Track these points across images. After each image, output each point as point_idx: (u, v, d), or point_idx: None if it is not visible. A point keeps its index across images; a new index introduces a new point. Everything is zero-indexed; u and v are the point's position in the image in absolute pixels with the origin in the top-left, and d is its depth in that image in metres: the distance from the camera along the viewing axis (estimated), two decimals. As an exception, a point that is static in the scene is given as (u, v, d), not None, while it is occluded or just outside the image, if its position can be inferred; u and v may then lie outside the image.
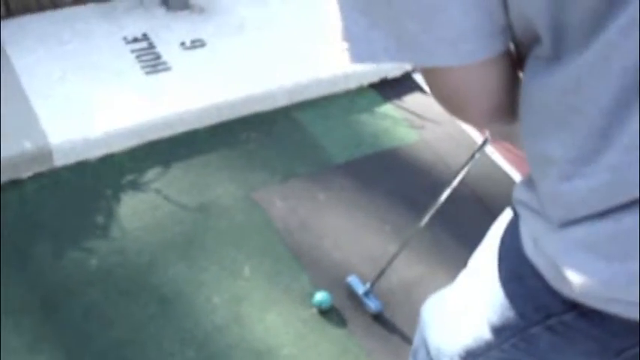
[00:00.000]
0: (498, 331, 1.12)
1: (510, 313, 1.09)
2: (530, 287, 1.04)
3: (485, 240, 1.22)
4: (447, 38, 0.85)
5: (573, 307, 0.99)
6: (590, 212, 0.87)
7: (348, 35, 0.90)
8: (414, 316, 2.42)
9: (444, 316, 1.34)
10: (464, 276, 1.30)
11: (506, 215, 1.16)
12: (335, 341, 2.36)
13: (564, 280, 0.94)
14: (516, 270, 1.06)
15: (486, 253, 1.17)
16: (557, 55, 0.82)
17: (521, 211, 1.03)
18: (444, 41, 0.85)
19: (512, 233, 1.09)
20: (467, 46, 0.85)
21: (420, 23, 0.84)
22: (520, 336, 1.10)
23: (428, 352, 1.43)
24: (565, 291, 0.97)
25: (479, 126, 1.29)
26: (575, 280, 0.92)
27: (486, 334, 1.15)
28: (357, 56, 0.91)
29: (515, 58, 0.93)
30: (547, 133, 0.88)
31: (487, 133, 1.70)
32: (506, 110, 0.99)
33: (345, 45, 0.91)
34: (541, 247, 0.98)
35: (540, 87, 0.86)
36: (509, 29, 0.87)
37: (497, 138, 1.52)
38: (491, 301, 1.12)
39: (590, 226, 0.88)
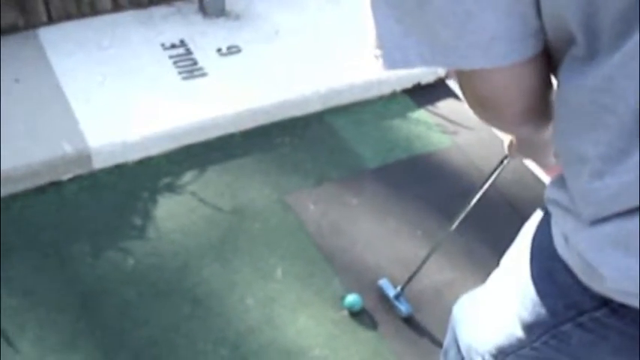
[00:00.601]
0: (530, 328, 1.14)
1: (542, 310, 1.10)
2: (561, 284, 1.05)
3: (517, 240, 1.24)
4: (479, 42, 0.87)
5: (604, 303, 1.00)
6: (621, 209, 0.88)
7: (382, 42, 0.93)
8: (444, 320, 2.44)
9: (476, 314, 1.36)
10: (496, 275, 1.32)
11: (537, 215, 1.18)
12: (365, 343, 2.39)
13: (595, 276, 0.96)
14: (547, 267, 1.08)
15: (518, 252, 1.19)
16: (591, 55, 0.84)
17: (553, 210, 1.04)
18: (476, 45, 0.87)
19: (543, 231, 1.11)
20: (499, 49, 0.87)
21: (452, 29, 0.86)
22: (551, 333, 1.11)
23: (459, 351, 1.44)
24: (596, 287, 0.98)
25: (511, 130, 1.30)
26: (606, 276, 0.93)
27: (518, 332, 1.16)
28: (390, 63, 0.93)
29: (548, 60, 0.95)
30: (580, 132, 0.89)
31: (506, 151, 1.72)
32: (539, 113, 1.01)
33: (379, 52, 0.94)
34: (572, 244, 0.99)
35: (574, 87, 0.88)
36: (541, 31, 0.89)
37: (520, 155, 1.53)
38: (522, 298, 1.13)
39: (621, 223, 0.89)
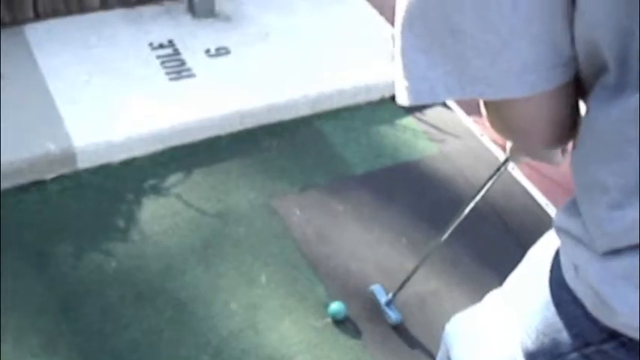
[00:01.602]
0: (532, 356, 1.11)
1: (546, 339, 1.07)
2: (568, 314, 1.03)
3: (522, 264, 1.22)
4: (511, 71, 0.85)
5: (613, 336, 0.98)
6: (635, 242, 0.87)
7: (408, 74, 0.91)
8: (429, 330, 2.44)
9: (475, 338, 1.33)
10: (497, 298, 1.30)
11: (545, 240, 1.15)
12: (349, 352, 2.37)
13: (606, 309, 0.94)
14: (555, 296, 1.06)
15: (522, 278, 1.17)
16: (622, 85, 0.82)
17: (562, 238, 1.03)
18: (508, 74, 0.86)
19: (551, 259, 1.09)
20: (531, 77, 0.86)
21: (485, 59, 0.85)
22: None
23: None
24: (605, 320, 0.96)
25: (537, 150, 1.28)
26: (617, 310, 0.92)
27: (519, 359, 1.14)
28: (416, 95, 0.92)
29: (578, 87, 0.93)
30: (602, 160, 0.88)
31: (508, 152, 1.71)
32: (567, 136, 0.99)
33: (405, 83, 0.92)
34: (582, 275, 0.97)
35: (601, 115, 0.86)
36: (573, 60, 0.88)
37: (525, 157, 1.52)
38: (526, 327, 1.11)
39: (634, 257, 0.88)
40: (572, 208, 1.00)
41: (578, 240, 0.97)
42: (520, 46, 0.84)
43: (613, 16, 0.79)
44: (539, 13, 0.83)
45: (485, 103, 0.98)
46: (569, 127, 0.98)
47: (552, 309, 1.06)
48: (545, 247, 1.14)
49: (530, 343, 1.11)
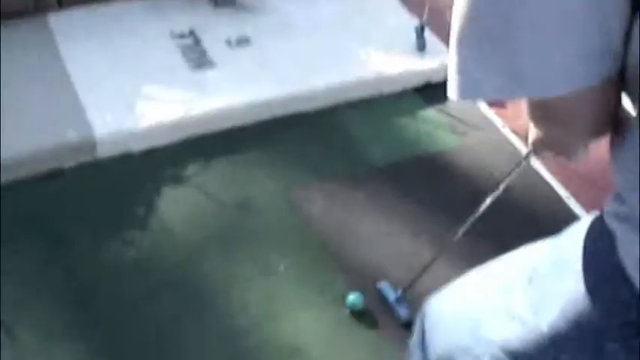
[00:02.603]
0: (563, 341, 1.08)
1: (587, 325, 1.05)
2: (621, 302, 1.01)
3: (550, 243, 1.19)
4: (561, 68, 0.86)
5: None
6: None
7: (459, 70, 0.92)
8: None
9: (472, 318, 1.31)
10: (505, 274, 1.27)
11: (583, 223, 1.13)
12: (365, 344, 2.36)
13: None
14: (607, 282, 1.03)
15: (557, 259, 1.14)
16: None
17: (619, 226, 1.01)
18: (559, 72, 0.86)
19: (598, 243, 1.06)
20: (581, 72, 0.86)
21: (537, 56, 0.85)
22: (588, 350, 1.06)
23: (426, 355, 1.39)
24: None
25: (580, 142, 1.28)
26: None
27: (542, 342, 1.11)
28: (463, 92, 0.93)
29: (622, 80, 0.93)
30: None
31: (530, 146, 1.68)
32: (609, 128, 1.00)
33: (455, 78, 0.93)
34: None
35: None
36: (620, 53, 0.87)
37: (548, 150, 1.48)
38: (563, 310, 1.08)
39: None
40: (620, 196, 0.99)
41: (634, 227, 0.95)
42: (572, 43, 0.83)
43: None
44: (591, 6, 0.82)
45: (530, 100, 0.99)
46: (611, 120, 0.98)
47: (602, 295, 1.03)
48: (575, 236, 1.12)
49: (564, 327, 1.08)
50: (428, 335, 1.39)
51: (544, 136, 1.19)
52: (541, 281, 1.15)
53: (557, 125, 1.00)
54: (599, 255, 1.06)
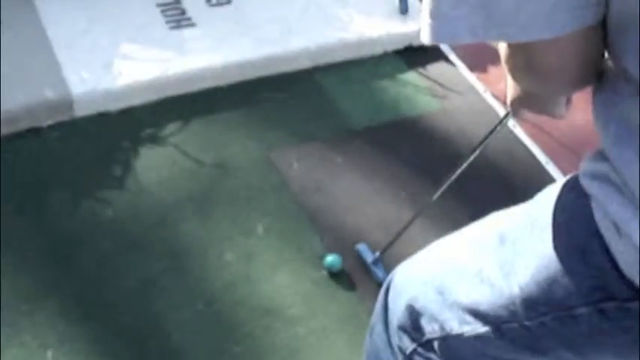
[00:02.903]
0: (533, 304, 1.07)
1: (557, 289, 1.04)
2: (594, 265, 1.00)
3: (522, 207, 1.17)
4: (541, 11, 0.84)
5: None
6: None
7: (433, 13, 0.89)
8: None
9: (434, 279, 1.28)
10: (478, 239, 1.26)
11: (557, 186, 1.12)
12: (343, 304, 2.37)
13: None
14: (580, 245, 1.02)
15: (530, 222, 1.12)
16: None
17: (596, 186, 0.99)
18: (538, 15, 0.84)
19: (574, 206, 1.05)
20: (560, 17, 0.84)
21: None
22: (558, 314, 1.05)
23: (386, 328, 1.37)
24: None
25: (556, 94, 1.26)
26: None
27: (512, 305, 1.10)
28: (437, 35, 0.91)
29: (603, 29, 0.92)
30: None
31: (508, 107, 1.67)
32: (592, 79, 0.98)
33: (428, 21, 0.90)
34: (625, 234, 0.94)
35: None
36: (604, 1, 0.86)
37: (527, 110, 1.46)
38: (534, 272, 1.07)
39: None
40: (599, 155, 0.98)
41: (614, 187, 0.94)
42: None
43: None
44: None
45: (510, 47, 0.96)
46: (594, 70, 0.96)
47: (575, 258, 1.02)
48: (549, 199, 1.11)
49: (534, 289, 1.07)
50: (391, 306, 1.37)
51: (523, 93, 1.18)
52: (512, 244, 1.14)
53: (536, 76, 0.98)
54: (572, 218, 1.05)
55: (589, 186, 1.01)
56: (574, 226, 1.04)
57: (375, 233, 2.56)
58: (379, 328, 1.41)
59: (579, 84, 0.99)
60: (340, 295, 2.40)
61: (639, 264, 0.92)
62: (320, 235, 2.55)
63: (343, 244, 2.52)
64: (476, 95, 3.22)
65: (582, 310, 1.02)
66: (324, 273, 2.43)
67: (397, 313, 1.33)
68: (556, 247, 1.05)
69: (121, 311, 2.27)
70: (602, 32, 0.91)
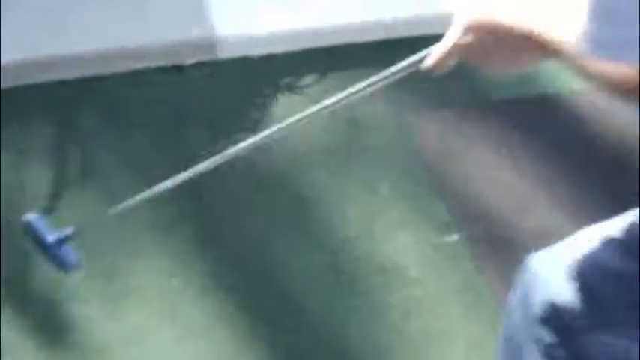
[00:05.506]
0: None
1: None
2: None
3: None
4: None
5: None
6: None
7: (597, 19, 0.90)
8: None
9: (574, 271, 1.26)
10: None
11: None
12: (462, 273, 2.34)
13: None
14: None
15: None
16: None
17: None
18: None
19: None
20: None
21: None
22: None
23: (525, 313, 1.34)
24: None
25: None
26: None
27: None
28: (593, 47, 0.90)
29: None
30: None
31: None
32: None
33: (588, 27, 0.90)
34: None
35: None
36: None
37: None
38: None
39: None
40: None
41: None
42: None
43: None
44: None
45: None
46: None
47: None
48: None
49: None
50: (531, 295, 1.34)
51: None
52: None
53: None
54: None
55: None
56: None
57: (500, 207, 2.51)
58: (517, 314, 1.37)
59: None
60: (460, 263, 2.37)
61: None
62: (445, 202, 2.53)
63: (468, 214, 2.49)
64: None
65: None
66: (446, 239, 2.41)
67: (537, 304, 1.30)
68: None
69: (243, 249, 2.32)
70: None
